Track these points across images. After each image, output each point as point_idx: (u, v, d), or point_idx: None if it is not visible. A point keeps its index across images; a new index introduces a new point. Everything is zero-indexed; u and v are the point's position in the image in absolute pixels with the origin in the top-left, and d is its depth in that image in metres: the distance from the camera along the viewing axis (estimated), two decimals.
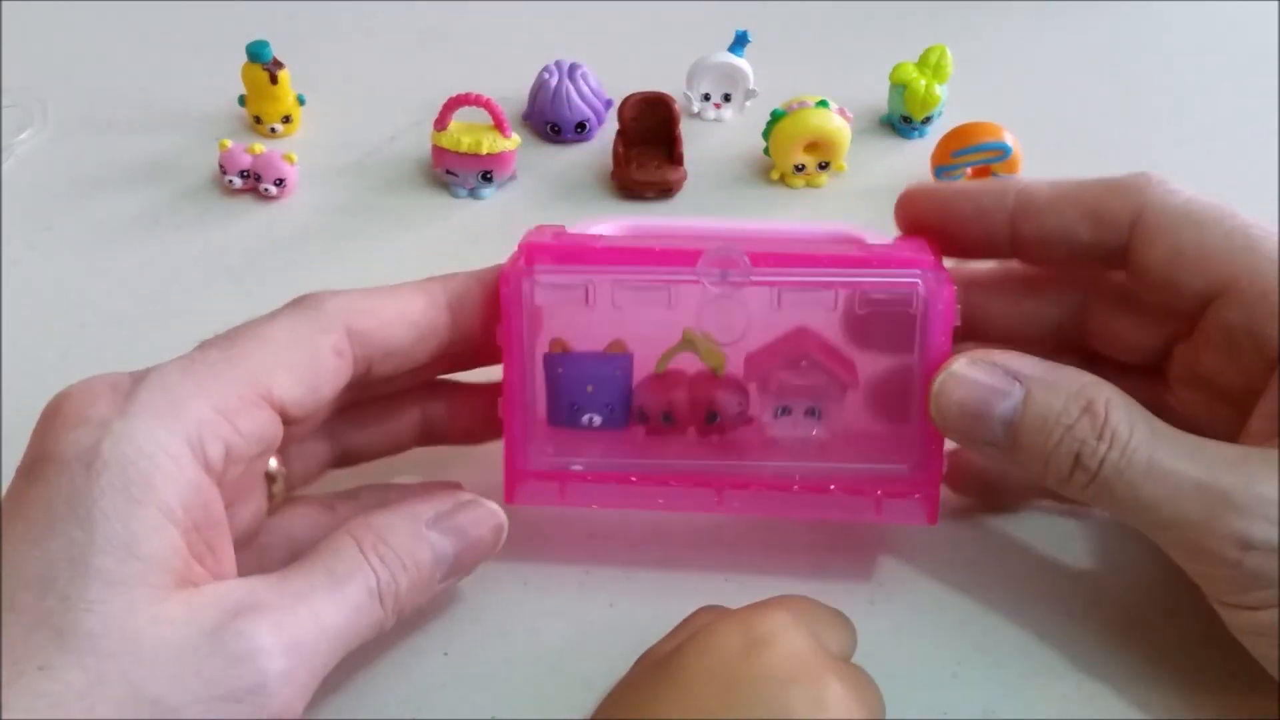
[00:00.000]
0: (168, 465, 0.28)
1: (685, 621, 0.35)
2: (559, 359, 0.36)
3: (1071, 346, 0.38)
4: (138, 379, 0.29)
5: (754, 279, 0.34)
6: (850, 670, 0.32)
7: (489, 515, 0.34)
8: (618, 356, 0.36)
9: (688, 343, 0.36)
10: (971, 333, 0.38)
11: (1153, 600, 0.34)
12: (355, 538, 0.31)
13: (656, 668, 0.32)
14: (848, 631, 0.34)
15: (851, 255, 0.35)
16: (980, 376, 0.32)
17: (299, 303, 0.33)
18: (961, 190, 0.36)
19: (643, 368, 0.36)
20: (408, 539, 0.32)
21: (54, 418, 0.29)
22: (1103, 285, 0.37)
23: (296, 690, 0.28)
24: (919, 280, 0.34)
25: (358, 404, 0.37)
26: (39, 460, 0.28)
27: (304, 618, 0.29)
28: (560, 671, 0.36)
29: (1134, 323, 0.36)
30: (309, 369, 0.31)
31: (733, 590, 0.37)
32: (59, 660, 0.26)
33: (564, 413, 0.36)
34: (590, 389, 0.36)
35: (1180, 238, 0.33)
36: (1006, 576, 0.38)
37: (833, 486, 0.35)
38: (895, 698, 0.33)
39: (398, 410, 0.38)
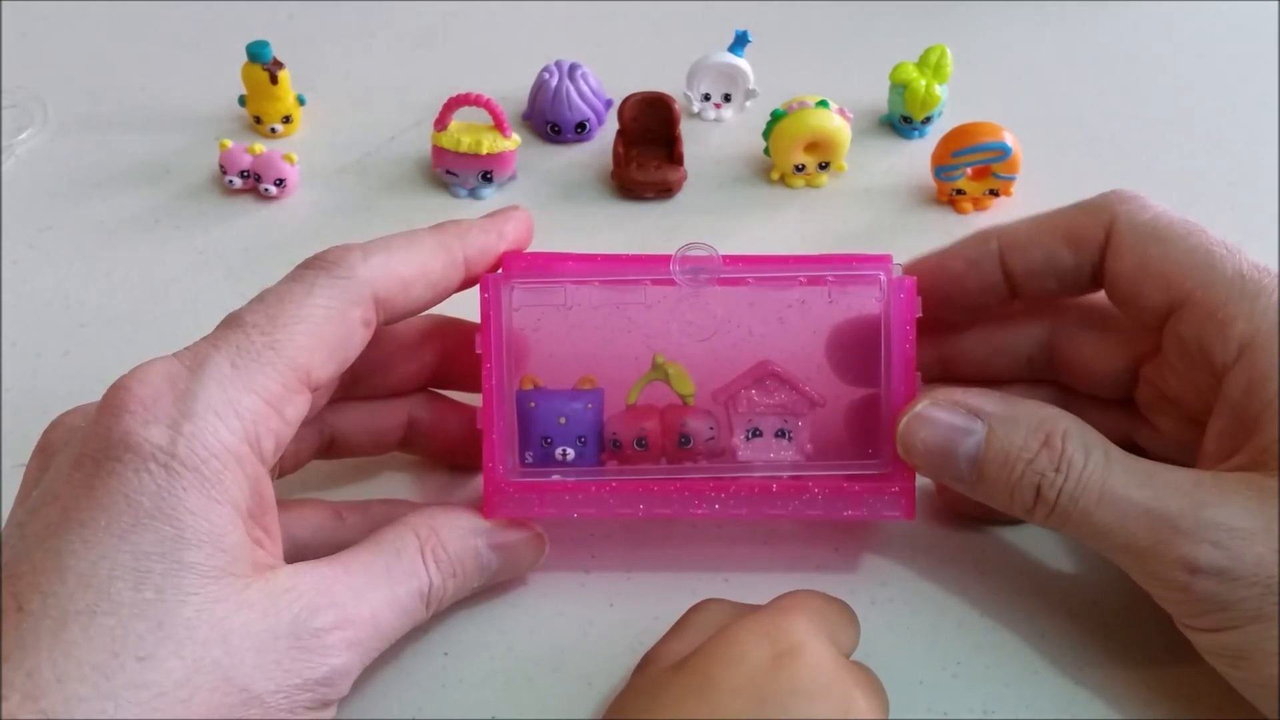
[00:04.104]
0: (234, 466, 0.29)
1: (688, 617, 0.34)
2: (531, 394, 0.36)
3: (1045, 379, 0.39)
4: (193, 370, 0.30)
5: (726, 275, 0.35)
6: (866, 677, 0.32)
7: (534, 540, 0.36)
8: (588, 391, 0.37)
9: (658, 369, 0.37)
10: (947, 371, 0.39)
11: (1152, 601, 0.34)
12: (419, 537, 0.33)
13: (678, 674, 0.31)
14: (855, 626, 0.34)
15: (819, 256, 0.36)
16: (943, 416, 0.33)
17: (329, 267, 0.33)
18: (948, 252, 0.37)
19: (613, 405, 0.37)
20: (460, 545, 0.34)
21: (119, 411, 0.29)
22: (1066, 315, 0.38)
23: (349, 682, 0.31)
24: (881, 272, 0.36)
25: (349, 398, 0.37)
26: (107, 455, 0.28)
27: (365, 617, 0.31)
28: (560, 671, 0.36)
29: (1098, 348, 0.37)
30: (341, 345, 0.32)
31: (732, 590, 0.37)
32: (159, 651, 0.27)
33: (537, 447, 0.36)
34: (563, 420, 0.36)
35: (1146, 252, 0.34)
36: (1007, 576, 0.38)
37: (812, 486, 0.36)
38: (895, 697, 0.33)
39: (386, 407, 0.38)
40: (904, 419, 0.34)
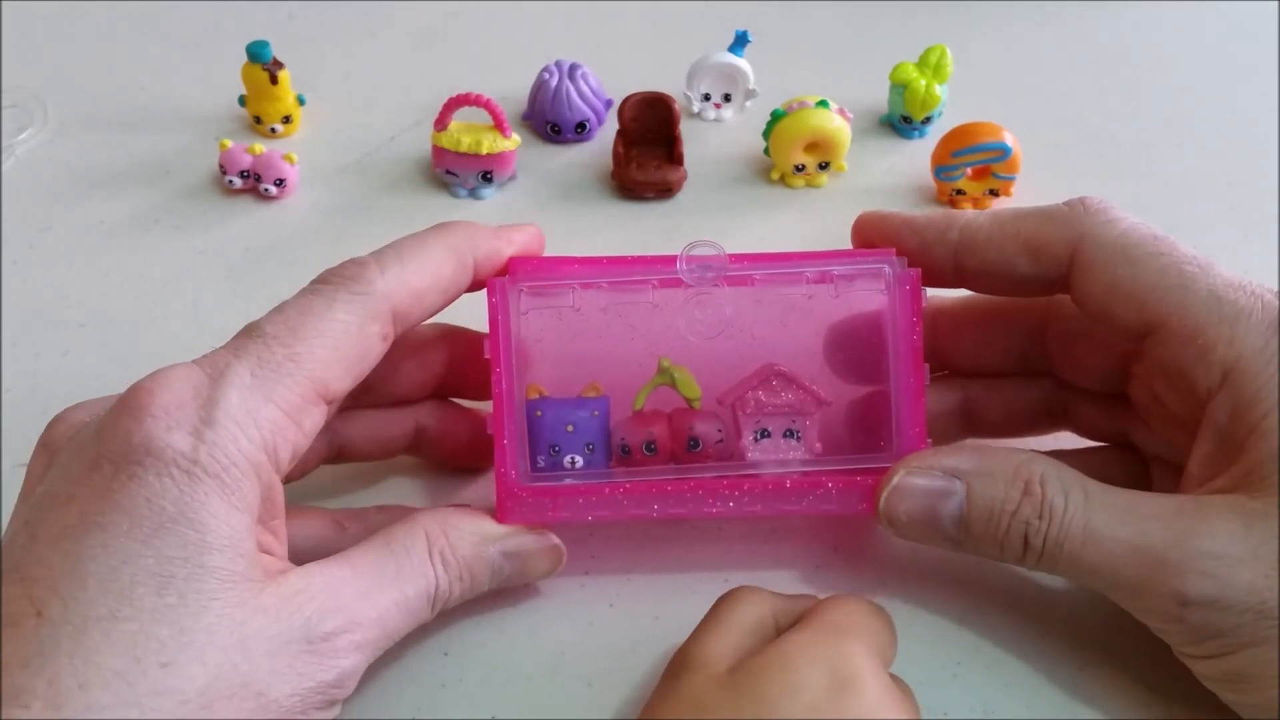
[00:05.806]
0: (252, 475, 0.30)
1: (721, 611, 0.34)
2: (537, 404, 0.36)
3: (1040, 371, 0.39)
4: (214, 379, 0.30)
5: (732, 273, 0.36)
6: (912, 705, 0.32)
7: (550, 550, 0.36)
8: (595, 399, 0.37)
9: (664, 373, 0.37)
10: (942, 364, 0.39)
11: None
12: (429, 536, 0.33)
13: (729, 692, 0.30)
14: (895, 638, 0.34)
15: (822, 253, 0.37)
16: (921, 483, 0.33)
17: (347, 283, 0.33)
18: (907, 223, 0.37)
19: (620, 411, 0.37)
20: (471, 552, 0.34)
21: (140, 415, 0.29)
22: (1057, 311, 0.37)
23: (355, 681, 0.31)
24: (886, 264, 0.36)
25: (358, 406, 0.37)
26: (128, 459, 0.28)
27: (372, 618, 0.31)
28: (560, 671, 0.36)
29: (1089, 344, 0.37)
30: (359, 360, 0.33)
31: None
32: (180, 656, 0.27)
33: (545, 456, 0.36)
34: (570, 428, 0.36)
35: (1115, 273, 0.33)
36: (1006, 576, 0.38)
37: (826, 481, 0.36)
38: None
39: (395, 415, 0.38)
40: (883, 495, 0.34)
